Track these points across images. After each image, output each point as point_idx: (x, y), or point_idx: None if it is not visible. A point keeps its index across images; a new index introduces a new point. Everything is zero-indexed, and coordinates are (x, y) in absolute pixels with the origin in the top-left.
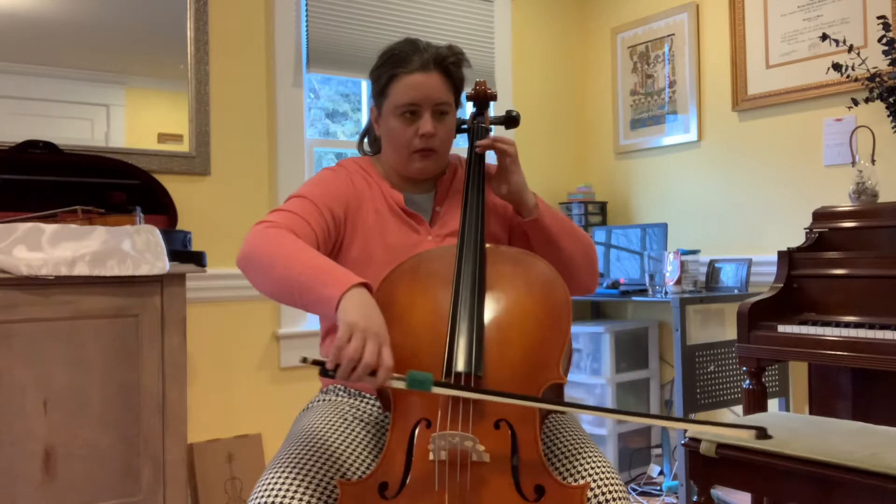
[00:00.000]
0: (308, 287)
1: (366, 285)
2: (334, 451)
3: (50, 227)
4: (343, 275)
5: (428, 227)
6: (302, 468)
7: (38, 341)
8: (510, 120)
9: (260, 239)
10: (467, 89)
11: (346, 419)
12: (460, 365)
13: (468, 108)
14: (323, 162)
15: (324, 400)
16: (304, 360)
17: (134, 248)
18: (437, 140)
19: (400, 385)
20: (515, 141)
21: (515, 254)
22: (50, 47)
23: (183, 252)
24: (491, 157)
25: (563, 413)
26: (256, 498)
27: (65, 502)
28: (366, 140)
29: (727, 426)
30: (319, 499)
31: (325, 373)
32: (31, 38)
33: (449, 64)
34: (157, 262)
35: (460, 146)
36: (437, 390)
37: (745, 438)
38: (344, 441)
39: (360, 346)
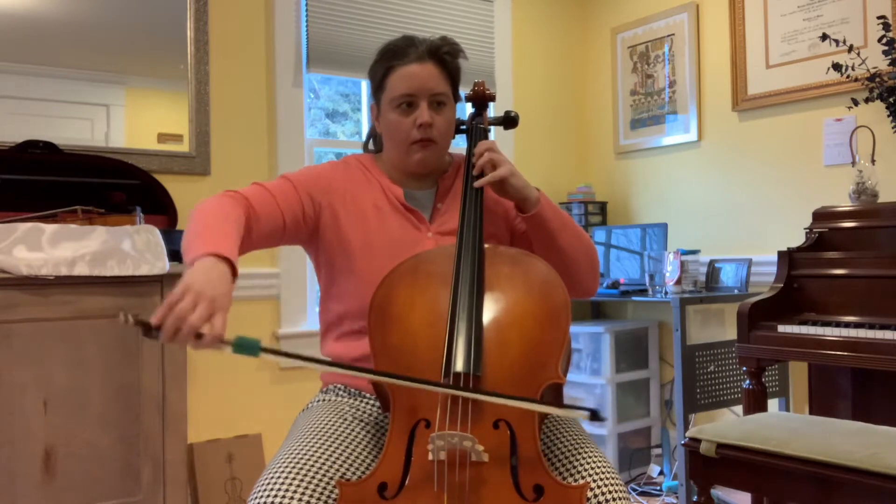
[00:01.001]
0: (186, 250)
1: (226, 259)
2: (334, 452)
3: (50, 227)
4: (210, 244)
5: (428, 224)
6: (302, 468)
7: (38, 341)
8: (508, 121)
9: (203, 203)
10: (466, 90)
11: (345, 419)
12: (459, 365)
13: (467, 109)
14: (323, 161)
15: (324, 400)
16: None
17: (134, 248)
18: (436, 130)
19: (227, 349)
20: (515, 141)
21: (515, 254)
22: (50, 47)
23: None
24: None
25: None
26: (256, 498)
27: (65, 502)
28: (371, 142)
29: (563, 407)
30: (319, 499)
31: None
32: (31, 38)
33: (443, 54)
34: (157, 262)
35: (460, 146)
36: (265, 356)
37: (582, 417)
38: (343, 441)
39: (191, 307)
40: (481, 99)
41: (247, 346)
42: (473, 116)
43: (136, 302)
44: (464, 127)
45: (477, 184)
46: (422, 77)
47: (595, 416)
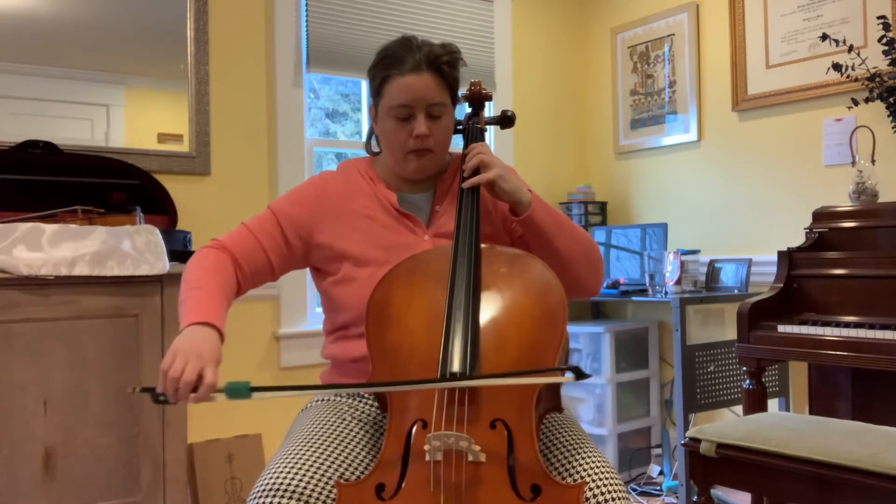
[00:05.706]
0: (180, 315)
1: (210, 324)
2: (332, 452)
3: (50, 227)
4: (193, 313)
5: (424, 227)
6: (300, 468)
7: (38, 341)
8: (505, 120)
9: (190, 263)
10: (462, 89)
11: (344, 419)
12: (455, 365)
13: (464, 109)
14: (323, 162)
15: (323, 400)
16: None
17: (134, 248)
18: (432, 140)
19: (221, 397)
20: (515, 141)
21: (511, 254)
22: (50, 47)
23: (183, 252)
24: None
25: (560, 412)
26: (255, 497)
27: (65, 502)
28: (373, 140)
29: (545, 371)
30: (318, 499)
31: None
32: (31, 38)
33: (442, 63)
34: (157, 262)
35: (456, 146)
36: (256, 395)
37: (568, 381)
38: (342, 441)
39: (181, 367)
40: (478, 99)
41: (237, 390)
42: (470, 116)
43: (136, 302)
44: (460, 127)
45: (465, 185)
46: (418, 88)
47: (580, 374)
